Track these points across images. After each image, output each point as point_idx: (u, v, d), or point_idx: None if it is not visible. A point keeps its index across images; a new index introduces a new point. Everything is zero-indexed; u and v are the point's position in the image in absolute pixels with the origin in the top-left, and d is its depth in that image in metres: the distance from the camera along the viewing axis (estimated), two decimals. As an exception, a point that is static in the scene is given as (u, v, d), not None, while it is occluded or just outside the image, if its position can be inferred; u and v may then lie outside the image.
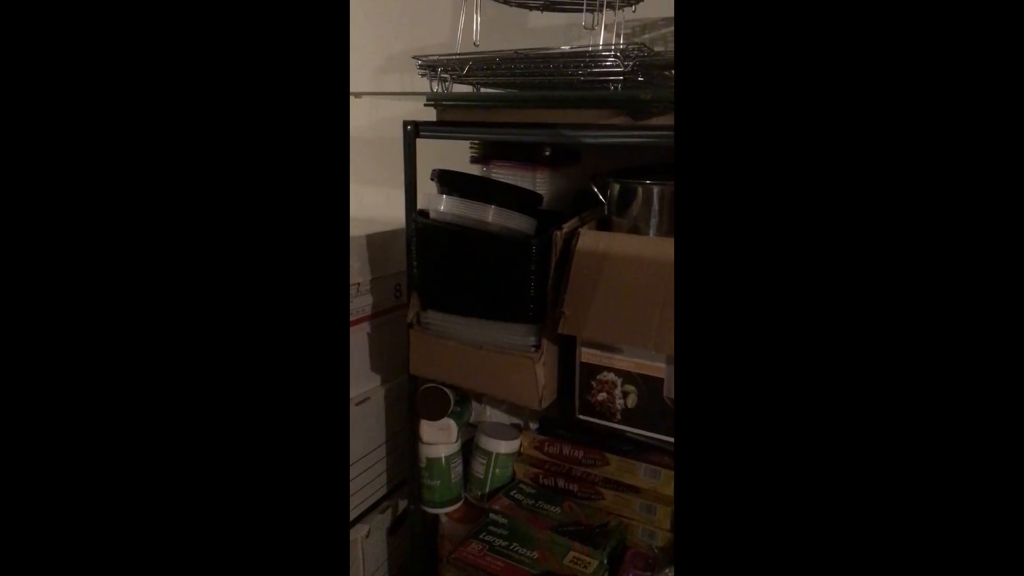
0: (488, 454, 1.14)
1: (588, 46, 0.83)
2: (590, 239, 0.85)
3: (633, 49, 0.78)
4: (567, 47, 0.85)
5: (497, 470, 1.15)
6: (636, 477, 1.07)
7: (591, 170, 1.10)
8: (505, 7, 1.03)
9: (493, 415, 1.24)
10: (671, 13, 1.08)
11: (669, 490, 1.03)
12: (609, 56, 0.77)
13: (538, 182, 1.01)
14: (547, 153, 1.01)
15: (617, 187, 0.90)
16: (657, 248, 0.80)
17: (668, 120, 0.81)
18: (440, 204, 0.91)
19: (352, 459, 1.16)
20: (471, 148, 1.08)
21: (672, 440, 0.86)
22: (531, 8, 1.05)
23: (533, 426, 1.22)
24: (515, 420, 1.24)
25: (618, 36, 1.00)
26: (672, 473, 1.03)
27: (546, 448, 1.15)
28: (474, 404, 1.22)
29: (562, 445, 1.13)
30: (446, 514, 1.15)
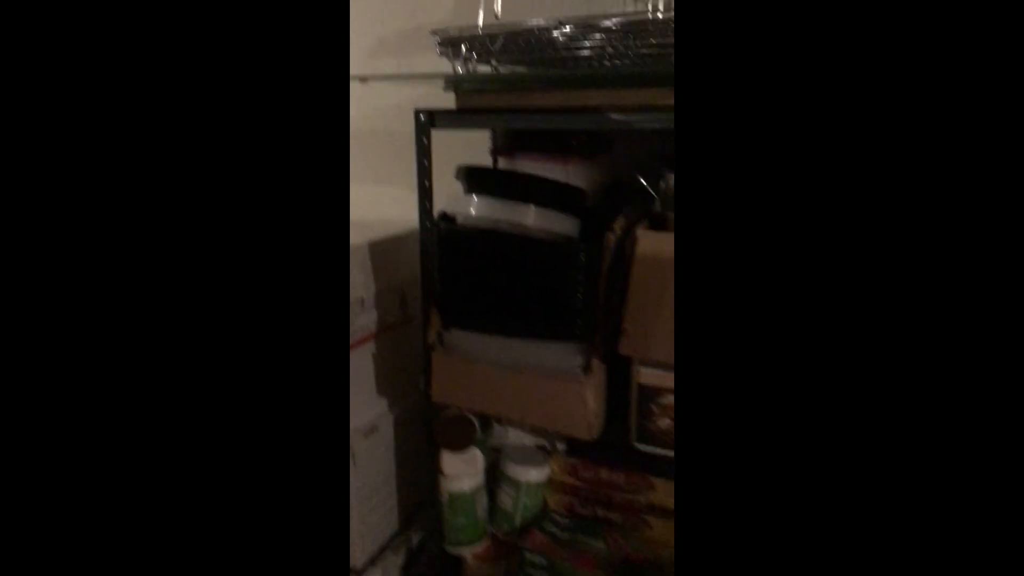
0: (516, 483, 1.01)
1: (646, 12, 0.70)
2: (651, 242, 0.73)
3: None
4: (616, 16, 0.72)
5: (527, 500, 1.02)
6: (687, 503, 0.95)
7: (623, 159, 0.98)
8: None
9: (515, 436, 1.11)
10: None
11: (728, 517, 0.92)
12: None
13: (571, 175, 0.87)
14: (580, 141, 0.88)
15: (673, 179, 0.78)
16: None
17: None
18: (470, 206, 0.77)
19: (360, 498, 1.02)
20: (492, 139, 0.94)
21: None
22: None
23: (561, 447, 1.09)
24: (539, 441, 1.11)
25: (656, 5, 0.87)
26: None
27: (580, 473, 1.03)
28: (496, 426, 1.09)
29: (598, 469, 1.01)
30: (472, 554, 1.02)
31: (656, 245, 0.72)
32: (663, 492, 0.96)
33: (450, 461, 0.98)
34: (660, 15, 0.70)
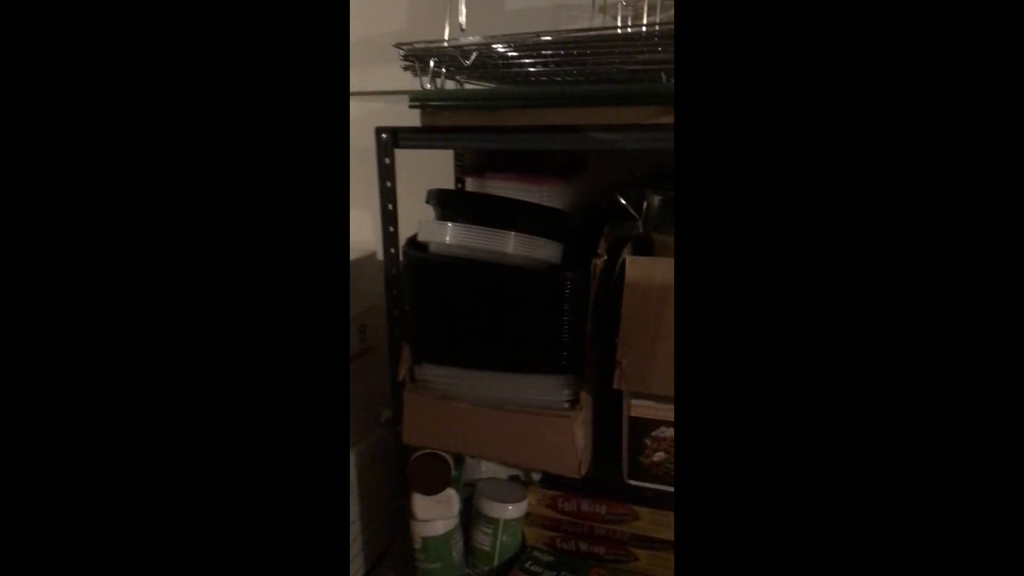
0: (494, 521, 0.95)
1: (631, 26, 0.66)
2: (641, 267, 0.69)
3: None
4: (597, 30, 0.68)
5: (505, 538, 0.96)
6: (672, 529, 0.92)
7: (596, 180, 0.94)
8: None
9: (488, 469, 1.05)
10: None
11: (717, 545, 0.89)
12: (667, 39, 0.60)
13: (546, 197, 0.82)
14: (556, 162, 0.83)
15: (658, 199, 0.74)
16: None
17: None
18: (444, 234, 0.71)
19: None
20: (458, 160, 0.88)
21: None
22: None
23: (536, 477, 1.04)
24: (513, 472, 1.05)
25: (630, 14, 0.84)
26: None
27: (560, 505, 0.98)
28: (467, 459, 1.02)
29: (579, 500, 0.97)
30: (449, 600, 0.96)
31: (646, 270, 0.68)
32: (648, 521, 0.92)
33: (423, 504, 0.91)
34: (643, 30, 0.66)
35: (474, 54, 0.67)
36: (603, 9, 0.92)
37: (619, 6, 0.86)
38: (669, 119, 0.67)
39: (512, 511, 0.95)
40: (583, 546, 0.95)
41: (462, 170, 0.93)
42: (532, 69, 0.72)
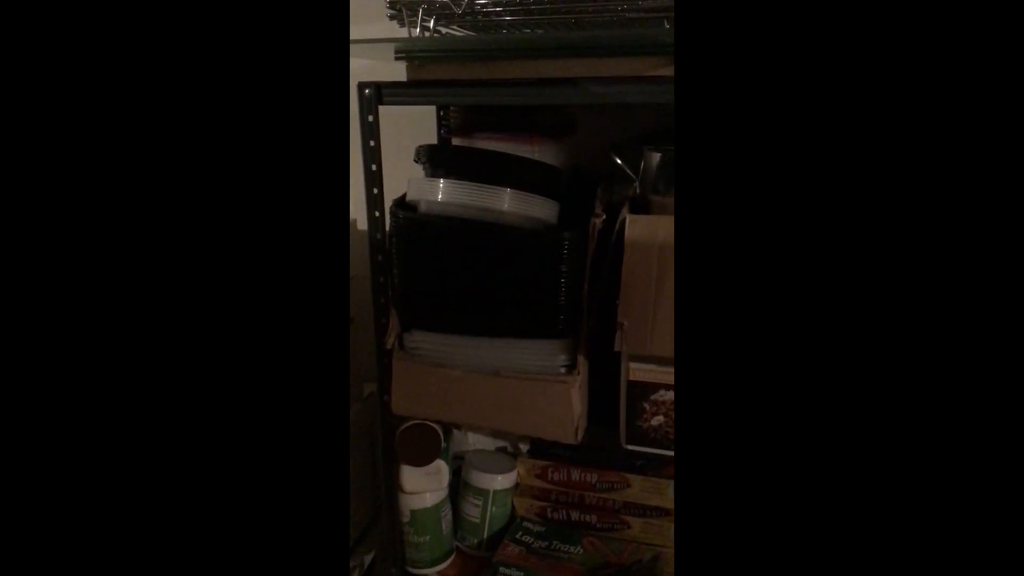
0: (483, 492, 0.94)
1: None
2: (642, 226, 0.66)
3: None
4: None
5: (495, 509, 0.95)
6: (664, 496, 0.91)
7: (586, 140, 0.91)
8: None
9: (476, 441, 1.03)
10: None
11: (709, 509, 0.88)
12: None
13: (537, 157, 0.79)
14: (548, 119, 0.80)
15: (657, 157, 0.72)
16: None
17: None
18: (436, 192, 0.67)
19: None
20: (443, 118, 0.84)
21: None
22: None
23: (524, 448, 1.02)
24: (500, 444, 1.03)
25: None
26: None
27: (550, 475, 0.96)
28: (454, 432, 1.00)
29: (569, 469, 0.95)
30: (439, 573, 0.94)
31: (647, 229, 0.66)
32: (640, 489, 0.92)
33: (412, 476, 0.88)
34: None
35: (464, 1, 0.63)
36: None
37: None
38: (669, 71, 0.64)
39: (501, 482, 0.94)
40: (574, 515, 0.94)
41: (447, 131, 0.89)
42: (526, 18, 0.69)
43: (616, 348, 0.67)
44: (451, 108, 0.87)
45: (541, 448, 0.99)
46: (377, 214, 0.78)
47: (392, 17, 0.69)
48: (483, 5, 0.67)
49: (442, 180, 0.67)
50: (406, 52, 0.70)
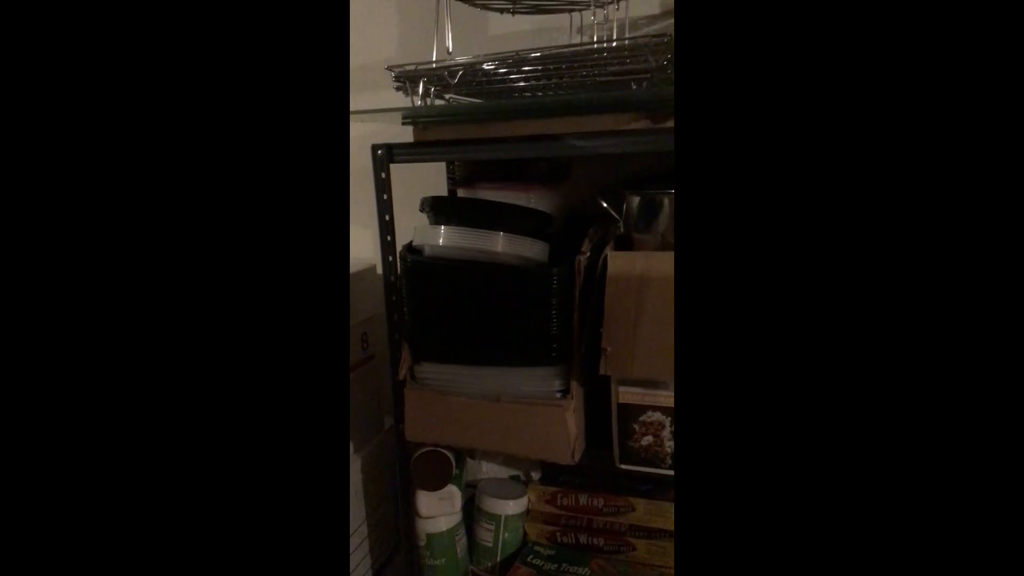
0: (496, 517, 0.99)
1: (604, 41, 0.72)
2: (622, 261, 0.74)
3: (660, 43, 0.68)
4: (567, 47, 0.74)
5: (507, 534, 1.00)
6: (668, 519, 0.95)
7: (579, 186, 1.00)
8: (468, 9, 0.91)
9: (489, 470, 1.09)
10: (651, 10, 1.00)
11: (710, 530, 0.92)
12: (645, 49, 0.67)
13: (533, 202, 0.88)
14: (541, 169, 0.89)
15: (637, 200, 0.80)
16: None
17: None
18: (438, 237, 0.77)
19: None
20: (450, 172, 0.94)
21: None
22: (500, 11, 0.93)
23: (535, 476, 1.08)
24: (513, 472, 1.09)
25: (607, 33, 0.90)
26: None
27: (559, 500, 1.01)
28: (469, 460, 1.06)
29: (577, 495, 1.00)
30: (455, 596, 0.99)
31: (626, 264, 0.73)
32: (643, 512, 0.96)
33: (426, 501, 0.95)
34: (614, 44, 0.72)
35: (460, 72, 0.74)
36: (580, 30, 0.99)
37: (593, 26, 0.93)
38: (640, 124, 0.73)
39: (513, 507, 0.99)
40: (583, 539, 0.99)
41: (454, 182, 0.99)
42: (514, 84, 0.78)
43: (601, 372, 0.74)
44: (456, 162, 0.97)
45: (551, 475, 1.05)
46: (391, 258, 0.87)
47: (398, 88, 0.79)
48: (474, 76, 0.77)
49: (443, 227, 0.76)
50: (412, 117, 0.80)
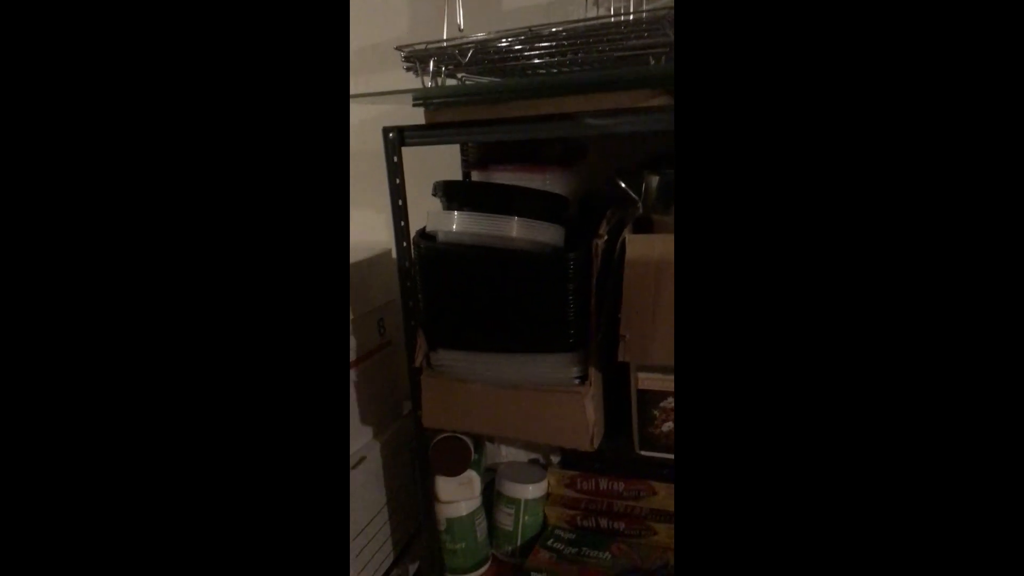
0: (515, 502, 0.99)
1: (620, 14, 0.69)
2: (640, 245, 0.72)
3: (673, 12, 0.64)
4: (581, 22, 0.71)
5: (527, 518, 1.00)
6: (689, 504, 0.94)
7: (597, 167, 0.97)
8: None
9: (508, 454, 1.08)
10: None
11: (732, 515, 0.91)
12: (663, 22, 0.64)
13: (549, 184, 0.86)
14: (556, 150, 0.86)
15: (656, 180, 0.77)
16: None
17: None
18: (451, 223, 0.75)
19: (353, 532, 0.98)
20: (464, 154, 0.92)
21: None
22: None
23: (555, 460, 1.07)
24: (532, 456, 1.08)
25: (624, 6, 0.87)
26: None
27: (579, 484, 1.01)
28: (488, 445, 1.06)
29: (597, 479, 1.00)
30: (476, 579, 0.99)
31: (645, 247, 0.71)
32: (665, 496, 0.95)
33: (445, 486, 0.95)
34: (631, 17, 0.69)
35: (471, 50, 0.71)
36: (596, 3, 0.95)
37: (611, -1, 0.89)
38: (659, 101, 0.70)
39: (532, 491, 0.99)
40: (603, 522, 0.98)
41: (468, 165, 0.96)
42: (527, 62, 0.76)
43: (620, 358, 0.72)
44: (469, 144, 0.94)
45: (571, 459, 1.04)
46: (404, 244, 0.86)
47: (408, 69, 0.77)
48: (486, 54, 0.75)
49: (456, 212, 0.75)
50: (423, 99, 0.78)
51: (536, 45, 0.74)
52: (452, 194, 0.76)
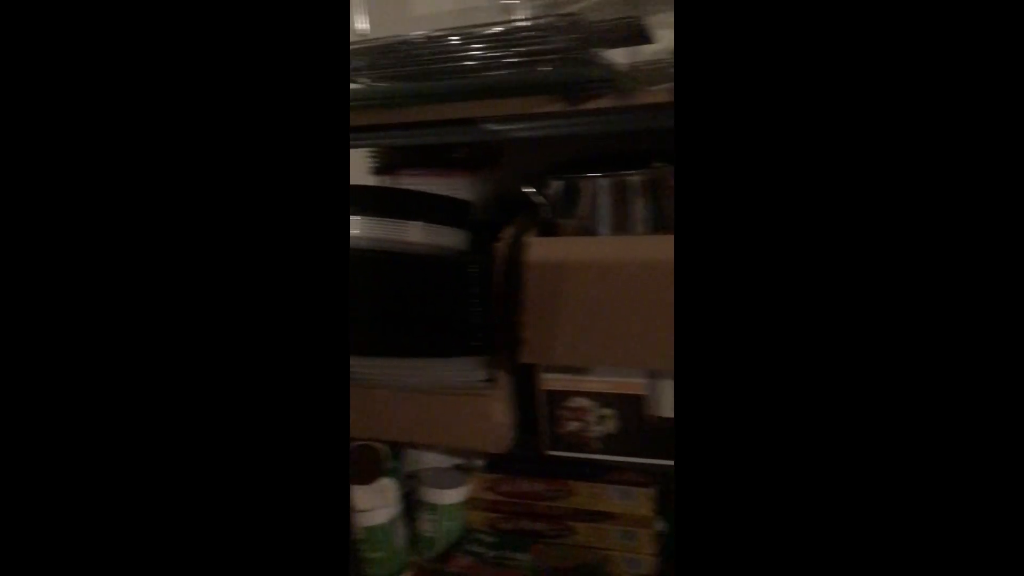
0: (435, 507, 0.98)
1: (513, 21, 0.70)
2: (541, 248, 0.72)
3: (570, 22, 0.66)
4: (485, 26, 0.72)
5: (448, 523, 0.99)
6: (608, 502, 0.96)
7: (517, 172, 0.98)
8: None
9: (431, 460, 1.08)
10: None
11: (647, 510, 0.93)
12: (552, 29, 0.65)
13: (455, 189, 0.86)
14: (462, 155, 0.87)
15: (557, 185, 0.78)
16: (624, 249, 0.69)
17: (608, 103, 0.70)
18: (353, 228, 0.74)
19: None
20: (370, 159, 0.91)
21: (662, 462, 0.76)
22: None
23: (479, 464, 1.07)
24: (457, 461, 1.08)
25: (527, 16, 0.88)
26: (648, 492, 0.92)
27: (501, 488, 1.01)
28: (410, 451, 1.05)
29: (519, 481, 1.00)
30: (395, 588, 0.98)
31: (546, 250, 0.72)
32: (584, 496, 0.96)
33: (361, 495, 0.93)
34: (531, 23, 0.70)
35: (368, 55, 0.71)
36: (506, 9, 0.96)
37: (519, 5, 0.90)
38: (555, 107, 0.71)
39: (452, 496, 0.98)
40: (524, 524, 0.98)
41: (376, 170, 0.96)
42: (430, 67, 0.76)
43: (522, 360, 0.73)
44: (372, 152, 0.94)
45: (495, 463, 1.04)
46: (312, 251, 0.84)
47: (307, 74, 0.76)
48: (388, 58, 0.74)
49: (359, 217, 0.74)
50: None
51: (440, 50, 0.74)
52: (354, 199, 0.76)
